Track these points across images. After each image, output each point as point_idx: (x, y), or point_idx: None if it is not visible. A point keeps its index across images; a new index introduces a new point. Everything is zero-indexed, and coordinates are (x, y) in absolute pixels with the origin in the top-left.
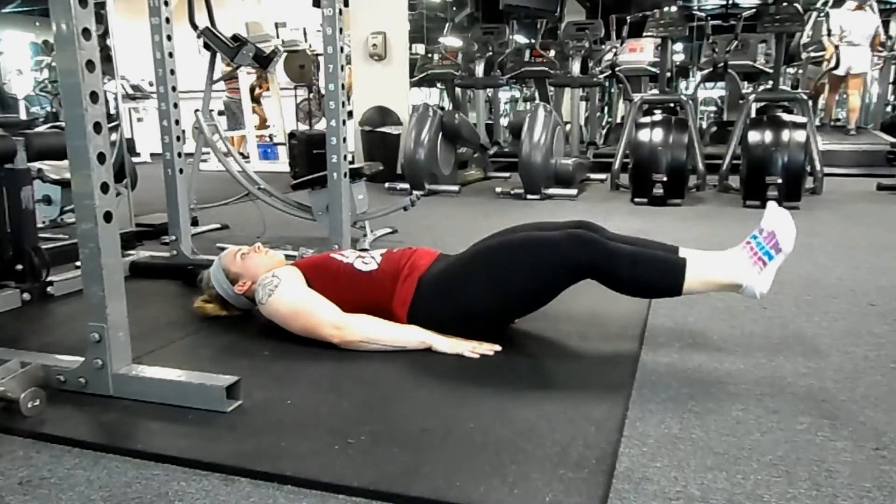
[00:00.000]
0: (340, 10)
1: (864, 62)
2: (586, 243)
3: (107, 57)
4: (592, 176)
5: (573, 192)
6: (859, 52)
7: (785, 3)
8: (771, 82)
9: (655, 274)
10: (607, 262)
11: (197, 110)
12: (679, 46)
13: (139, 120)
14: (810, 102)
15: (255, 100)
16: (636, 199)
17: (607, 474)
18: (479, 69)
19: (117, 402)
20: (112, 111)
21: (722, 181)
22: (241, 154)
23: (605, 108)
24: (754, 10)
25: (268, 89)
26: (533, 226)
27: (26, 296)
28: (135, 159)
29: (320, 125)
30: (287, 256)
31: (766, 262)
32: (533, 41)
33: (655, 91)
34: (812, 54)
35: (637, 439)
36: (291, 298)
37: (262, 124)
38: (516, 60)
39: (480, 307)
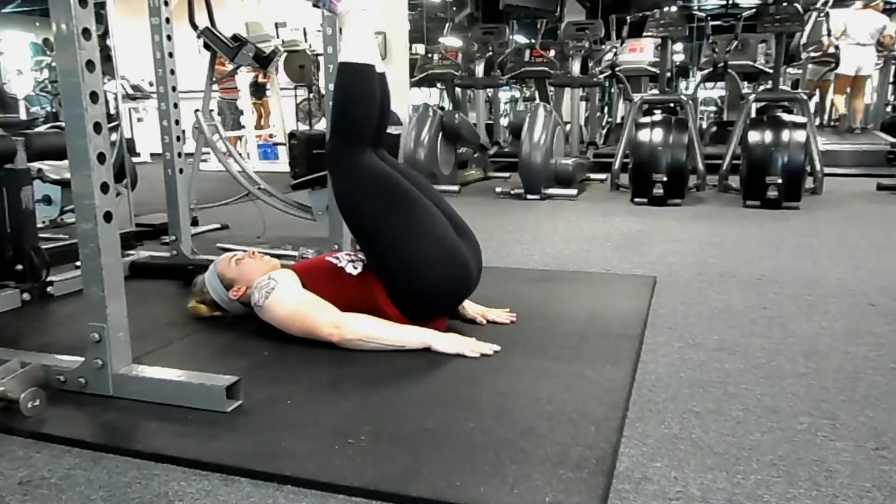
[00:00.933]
0: None
1: (871, 63)
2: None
3: (107, 57)
4: (592, 176)
5: (573, 192)
6: (868, 52)
7: (785, 3)
8: (771, 82)
9: None
10: None
11: (197, 110)
12: (679, 46)
13: (139, 120)
14: (810, 102)
15: (258, 92)
16: (636, 199)
17: (607, 474)
18: (479, 69)
19: (117, 402)
20: (112, 111)
21: (722, 181)
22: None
23: (605, 108)
24: (754, 10)
25: (270, 79)
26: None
27: (26, 296)
28: (135, 159)
29: (320, 125)
30: (286, 257)
31: None
32: (533, 41)
33: (655, 91)
34: (812, 54)
35: (637, 439)
36: (288, 300)
37: (264, 120)
38: (516, 60)
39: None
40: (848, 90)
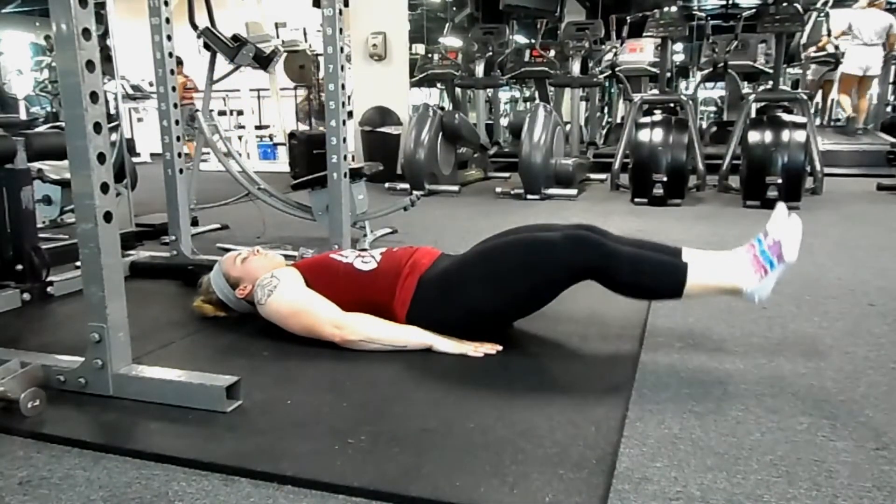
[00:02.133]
0: (340, 10)
1: (878, 63)
2: (586, 245)
3: (107, 57)
4: (592, 176)
5: (573, 192)
6: (875, 52)
7: (785, 3)
8: (771, 82)
9: (656, 277)
10: (607, 263)
11: (197, 110)
12: (679, 46)
13: (139, 120)
14: (812, 102)
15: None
16: (636, 199)
17: (607, 474)
18: (479, 69)
19: (117, 402)
20: (112, 111)
21: (722, 181)
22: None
23: (605, 108)
24: (754, 10)
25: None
26: (535, 227)
27: (26, 296)
28: (135, 159)
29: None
30: (287, 256)
31: (768, 270)
32: (533, 41)
33: (655, 91)
34: (812, 54)
35: (637, 439)
36: (291, 298)
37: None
38: (516, 60)
39: (480, 308)
40: (854, 90)
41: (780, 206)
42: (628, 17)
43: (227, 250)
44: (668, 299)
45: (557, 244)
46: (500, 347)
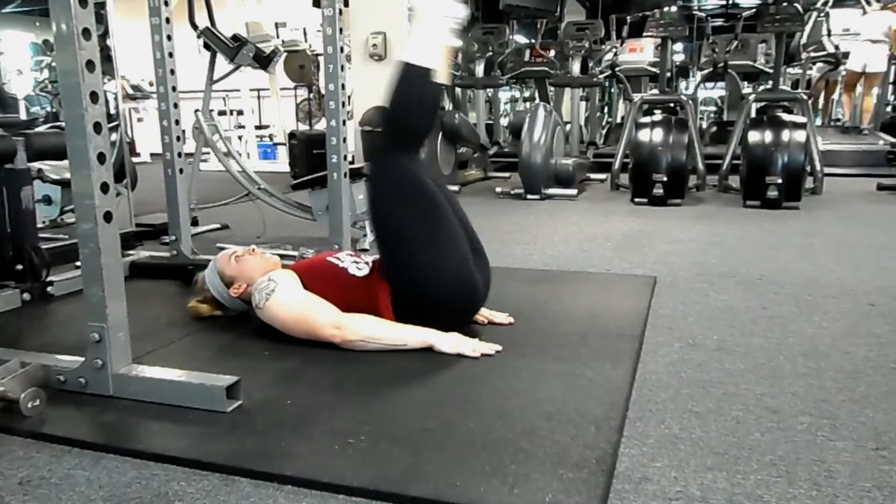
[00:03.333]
0: (340, 10)
1: (882, 60)
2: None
3: (107, 57)
4: (592, 176)
5: (573, 192)
6: (877, 49)
7: (785, 3)
8: (771, 82)
9: None
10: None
11: (197, 110)
12: (679, 46)
13: (139, 120)
14: (811, 102)
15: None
16: (636, 199)
17: (607, 474)
18: (479, 69)
19: (117, 402)
20: (112, 111)
21: (722, 181)
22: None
23: (605, 108)
24: (754, 10)
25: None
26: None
27: (26, 296)
28: (135, 159)
29: (320, 125)
30: (286, 256)
31: None
32: (533, 41)
33: (655, 91)
34: (813, 54)
35: (637, 439)
36: (289, 301)
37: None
38: (516, 60)
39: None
40: (859, 88)
41: None
42: (628, 17)
43: None
44: None
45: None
46: (499, 347)
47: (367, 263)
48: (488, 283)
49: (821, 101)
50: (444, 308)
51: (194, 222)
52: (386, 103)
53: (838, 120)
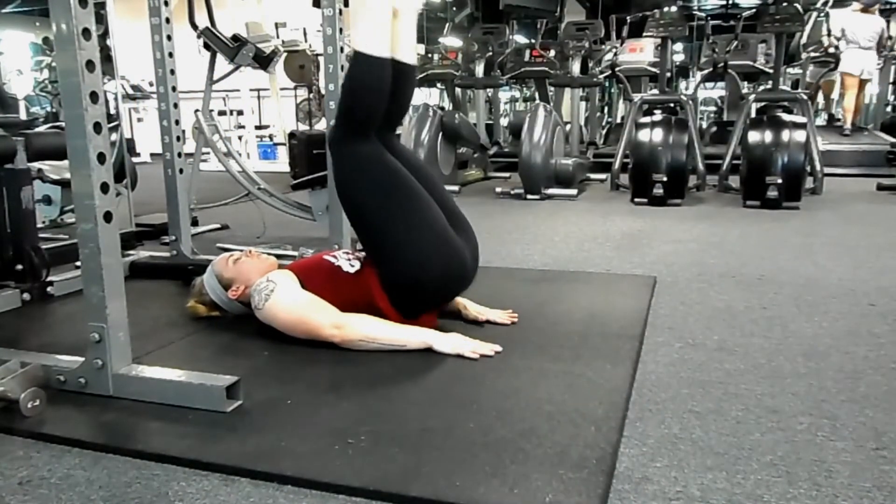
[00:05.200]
0: (340, 10)
1: (873, 66)
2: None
3: (107, 57)
4: (592, 176)
5: (573, 192)
6: (869, 55)
7: (785, 3)
8: (771, 82)
9: None
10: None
11: (197, 110)
12: (679, 46)
13: (139, 120)
14: (813, 102)
15: None
16: (636, 199)
17: (607, 474)
18: (479, 69)
19: (117, 402)
20: (112, 111)
21: (722, 181)
22: None
23: (605, 108)
24: (754, 10)
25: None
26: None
27: (26, 296)
28: (135, 159)
29: (320, 125)
30: (286, 256)
31: None
32: (533, 41)
33: (655, 91)
34: (812, 54)
35: (637, 439)
36: (289, 301)
37: None
38: (516, 60)
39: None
40: (854, 89)
41: None
42: (628, 17)
43: (227, 250)
44: None
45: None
46: (498, 349)
47: (359, 260)
48: (476, 255)
49: (820, 100)
50: (433, 283)
51: (194, 222)
52: (341, 93)
53: (838, 119)
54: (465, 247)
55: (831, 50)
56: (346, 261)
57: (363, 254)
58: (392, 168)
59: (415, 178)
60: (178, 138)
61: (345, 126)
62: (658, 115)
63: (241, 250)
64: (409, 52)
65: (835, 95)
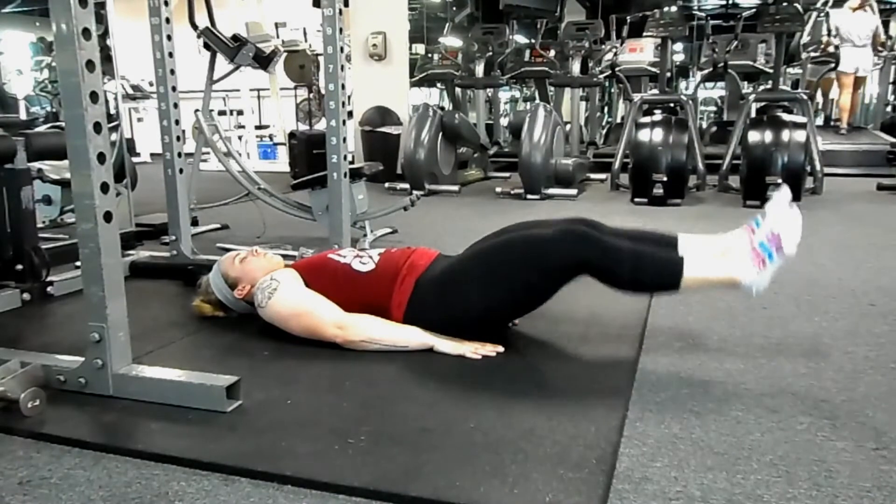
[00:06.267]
0: (340, 10)
1: (869, 63)
2: (583, 240)
3: (107, 57)
4: (592, 176)
5: (573, 192)
6: (864, 52)
7: (785, 3)
8: (771, 82)
9: (654, 274)
10: (604, 259)
11: (197, 110)
12: (679, 46)
13: (139, 120)
14: (812, 102)
15: None
16: (636, 199)
17: (607, 474)
18: (479, 69)
19: (117, 402)
20: (112, 111)
21: (722, 181)
22: None
23: (605, 108)
24: (754, 10)
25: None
26: (531, 223)
27: (26, 296)
28: (135, 159)
29: (320, 125)
30: (287, 256)
31: (767, 262)
32: (533, 41)
33: (655, 91)
34: (812, 53)
35: (637, 439)
36: (292, 300)
37: None
38: (516, 60)
39: (478, 308)
40: (850, 87)
41: (784, 192)
42: (628, 17)
43: (227, 250)
44: (665, 293)
45: (555, 241)
46: (500, 349)
47: (371, 258)
48: None
49: (819, 98)
50: (468, 330)
51: (194, 222)
52: None
53: (838, 120)
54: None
55: (831, 49)
56: (356, 258)
57: (376, 252)
58: None
59: None
60: (178, 138)
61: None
62: (658, 115)
63: (246, 249)
64: None
65: (833, 94)
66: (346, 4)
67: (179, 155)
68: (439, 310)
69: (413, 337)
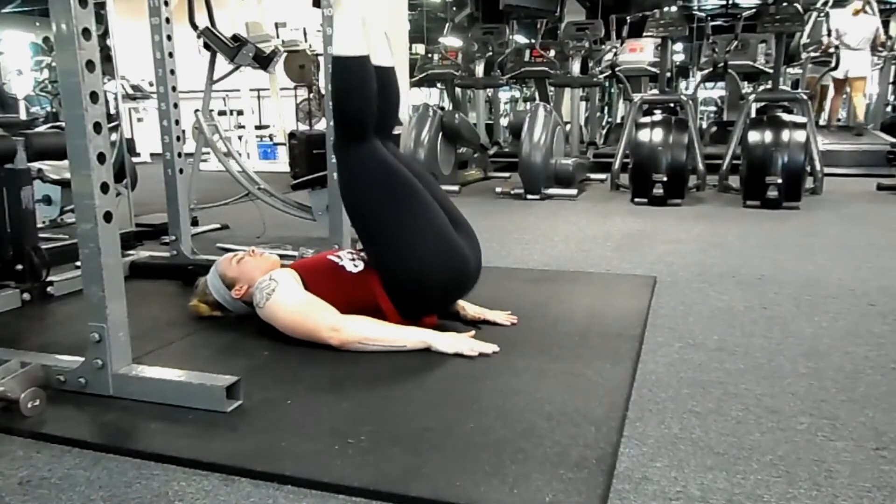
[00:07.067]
0: None
1: (863, 65)
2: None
3: (107, 57)
4: (592, 176)
5: (573, 192)
6: (857, 55)
7: (785, 3)
8: (771, 82)
9: None
10: None
11: (197, 110)
12: (679, 46)
13: (139, 120)
14: (813, 102)
15: None
16: (636, 199)
17: (607, 474)
18: (479, 69)
19: (117, 402)
20: (112, 111)
21: (722, 181)
22: None
23: (605, 108)
24: (754, 10)
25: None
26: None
27: (26, 296)
28: (135, 159)
29: (320, 125)
30: (286, 256)
31: None
32: (533, 41)
33: (655, 91)
34: (812, 54)
35: (637, 439)
36: (288, 301)
37: None
38: (516, 60)
39: (400, 251)
40: (848, 90)
41: None
42: (628, 17)
43: (227, 250)
44: None
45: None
46: (496, 348)
47: (362, 259)
48: (479, 256)
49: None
50: (437, 284)
51: (194, 222)
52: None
53: (839, 120)
54: (468, 250)
55: (831, 50)
56: (350, 260)
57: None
58: (393, 169)
59: (416, 180)
60: (178, 138)
61: (341, 130)
62: (658, 115)
63: (244, 250)
64: (382, 55)
65: (831, 96)
66: None
67: (179, 155)
68: (403, 286)
69: (409, 336)
